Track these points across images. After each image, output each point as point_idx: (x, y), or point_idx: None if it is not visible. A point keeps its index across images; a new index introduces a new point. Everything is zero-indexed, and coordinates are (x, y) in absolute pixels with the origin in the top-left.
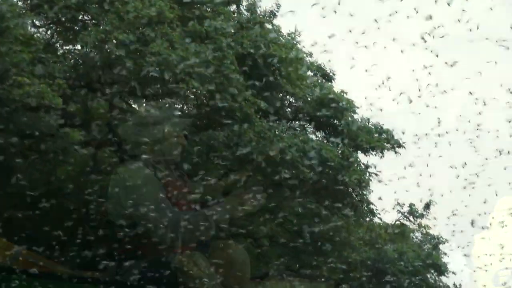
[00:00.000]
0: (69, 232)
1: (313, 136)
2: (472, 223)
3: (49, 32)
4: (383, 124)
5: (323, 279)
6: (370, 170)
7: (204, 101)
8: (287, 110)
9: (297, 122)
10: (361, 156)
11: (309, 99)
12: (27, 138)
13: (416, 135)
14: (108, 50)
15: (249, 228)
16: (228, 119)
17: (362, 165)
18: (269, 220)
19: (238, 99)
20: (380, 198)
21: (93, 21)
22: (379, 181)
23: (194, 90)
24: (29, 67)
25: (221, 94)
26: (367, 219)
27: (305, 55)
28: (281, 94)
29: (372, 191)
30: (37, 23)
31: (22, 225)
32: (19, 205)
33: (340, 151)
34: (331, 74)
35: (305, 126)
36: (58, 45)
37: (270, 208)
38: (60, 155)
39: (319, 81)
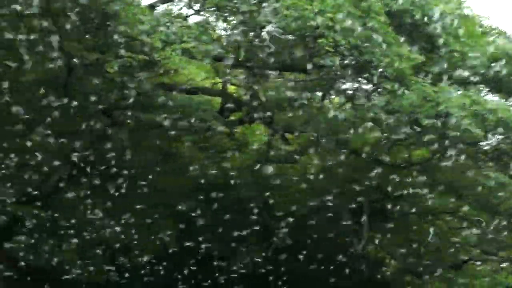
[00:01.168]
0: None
1: (489, 97)
2: None
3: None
4: None
5: None
6: None
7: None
8: (456, 70)
9: (468, 83)
10: None
11: (480, 58)
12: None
13: None
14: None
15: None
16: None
17: None
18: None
19: (388, 54)
20: None
21: None
22: None
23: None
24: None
25: (366, 48)
26: None
27: (477, 15)
28: (446, 53)
29: None
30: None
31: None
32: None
33: None
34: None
35: (478, 86)
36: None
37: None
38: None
39: (493, 39)
